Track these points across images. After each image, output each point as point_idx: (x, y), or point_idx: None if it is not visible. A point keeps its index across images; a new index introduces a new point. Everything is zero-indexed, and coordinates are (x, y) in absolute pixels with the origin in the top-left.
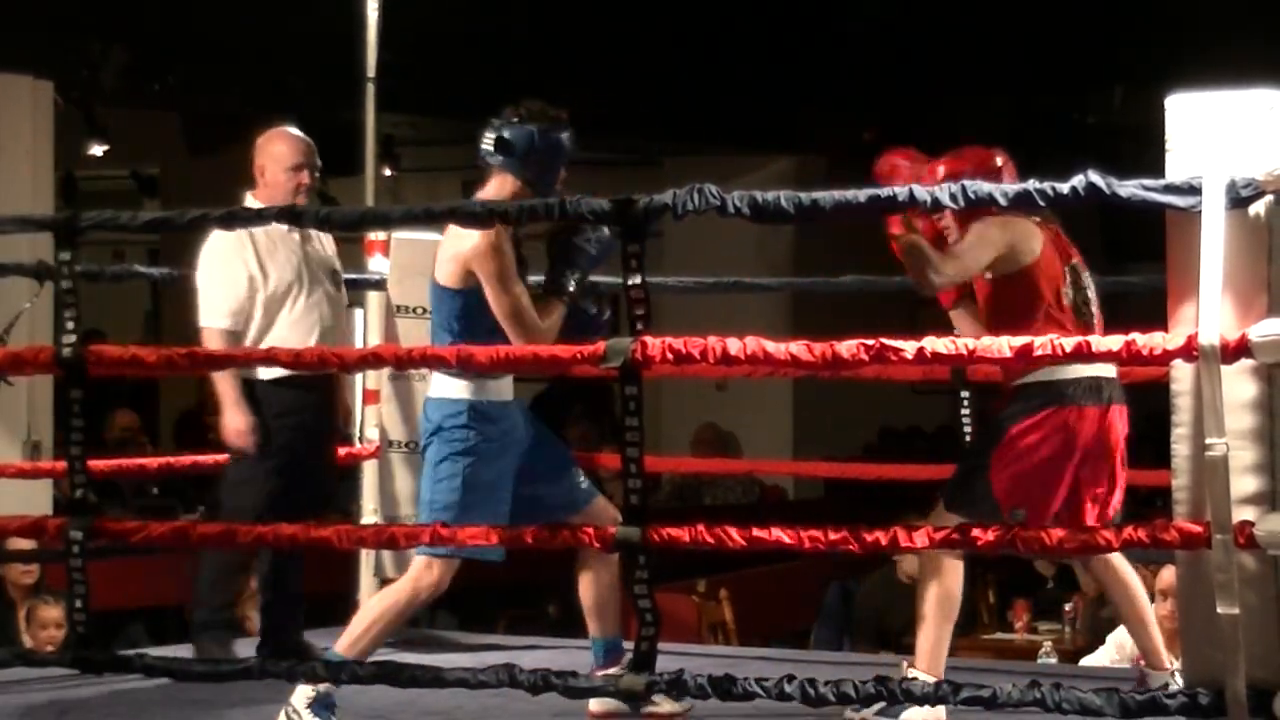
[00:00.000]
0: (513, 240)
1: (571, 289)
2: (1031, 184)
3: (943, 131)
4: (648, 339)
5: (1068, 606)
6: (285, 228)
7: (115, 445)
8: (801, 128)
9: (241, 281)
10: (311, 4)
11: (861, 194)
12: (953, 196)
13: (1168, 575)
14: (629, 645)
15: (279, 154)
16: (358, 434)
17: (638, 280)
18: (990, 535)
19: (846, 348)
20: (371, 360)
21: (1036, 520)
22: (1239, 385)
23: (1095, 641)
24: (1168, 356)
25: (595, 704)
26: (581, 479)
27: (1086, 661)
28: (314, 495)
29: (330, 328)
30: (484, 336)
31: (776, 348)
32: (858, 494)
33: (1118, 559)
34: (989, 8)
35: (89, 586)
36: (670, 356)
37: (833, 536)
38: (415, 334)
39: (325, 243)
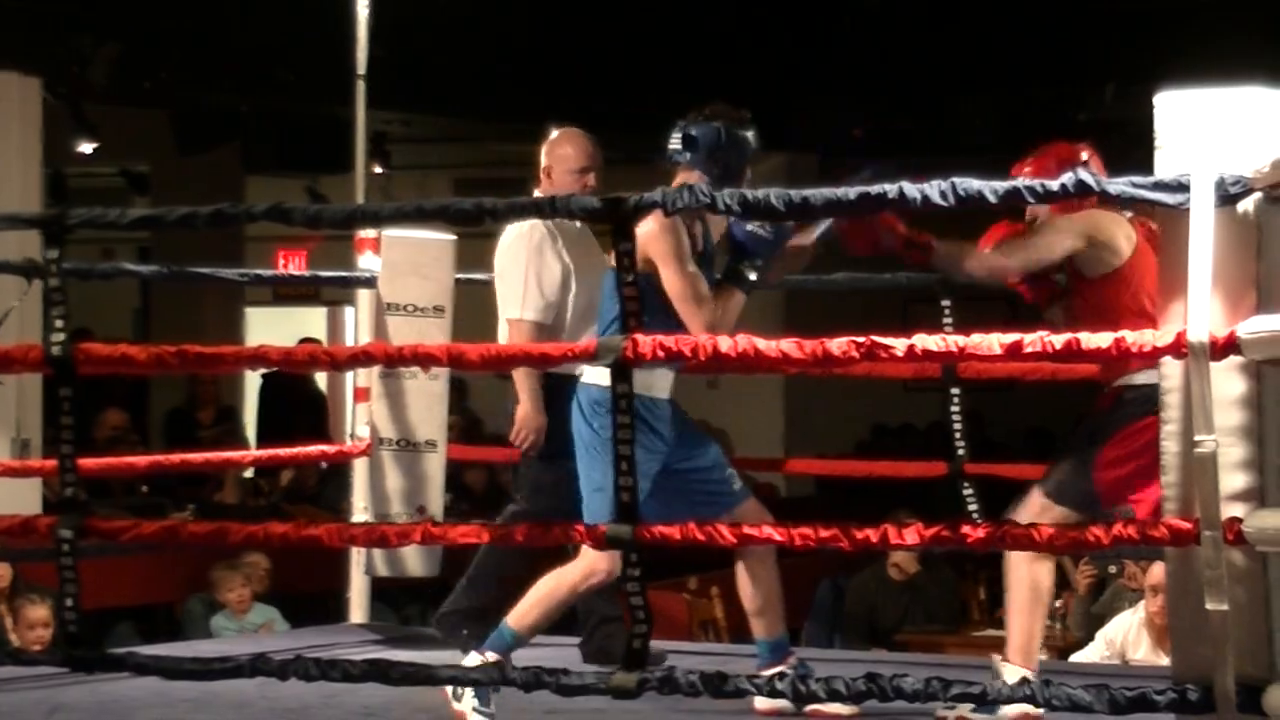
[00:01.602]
0: (690, 232)
1: (752, 277)
2: (1021, 181)
3: (934, 129)
4: (639, 336)
5: (1058, 603)
6: (578, 226)
7: (105, 444)
8: (792, 125)
9: (556, 273)
10: (302, 1)
11: (851, 191)
12: (942, 194)
13: (1157, 572)
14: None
15: (566, 156)
16: (349, 432)
17: (630, 278)
18: (980, 533)
19: (838, 345)
20: (362, 358)
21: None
22: (1228, 382)
23: (1085, 638)
24: (1157, 353)
25: (762, 703)
26: (734, 479)
27: (1077, 658)
28: None
29: None
30: (658, 322)
31: (768, 345)
32: (849, 491)
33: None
34: (981, 4)
35: (79, 585)
36: (662, 354)
37: (823, 534)
38: (406, 331)
39: (597, 245)
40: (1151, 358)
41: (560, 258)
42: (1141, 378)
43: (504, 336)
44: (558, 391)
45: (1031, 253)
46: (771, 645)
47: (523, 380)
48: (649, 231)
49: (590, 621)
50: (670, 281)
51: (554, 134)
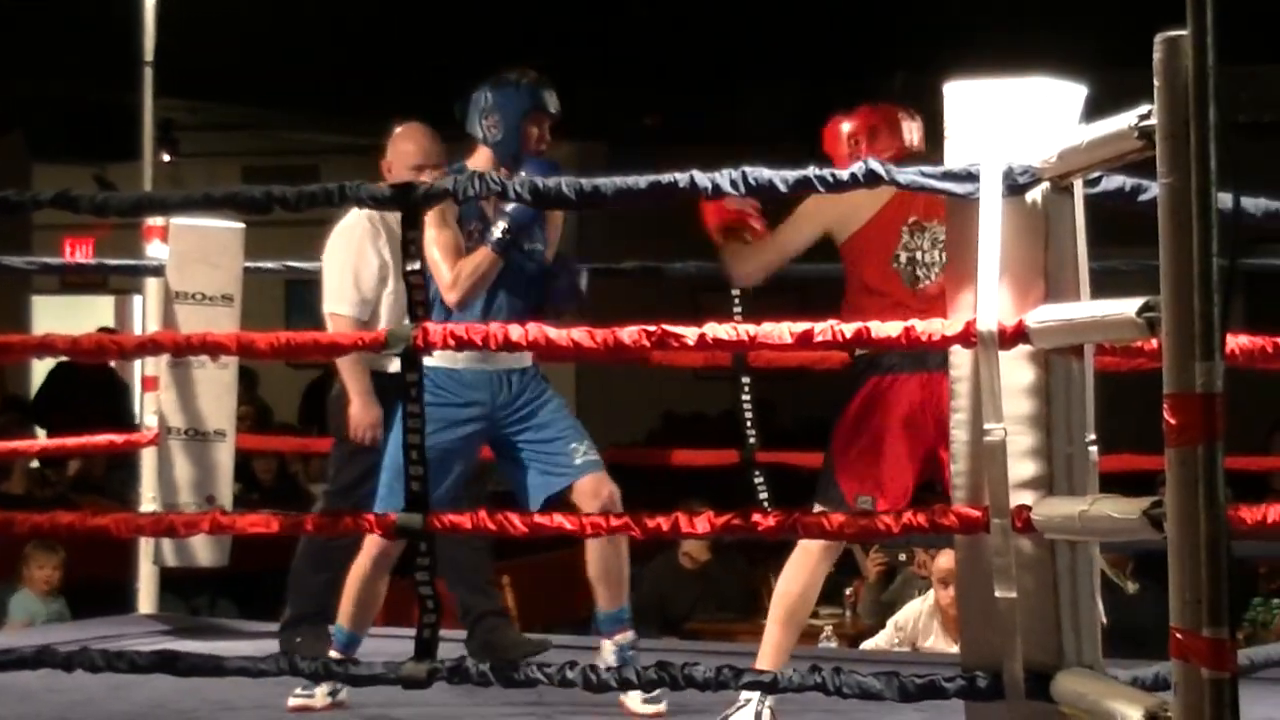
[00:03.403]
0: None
1: (496, 235)
2: (811, 170)
3: (727, 118)
4: (429, 325)
5: (848, 591)
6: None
7: None
8: (582, 113)
9: (374, 269)
10: None
11: (642, 180)
12: (733, 183)
13: (944, 562)
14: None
15: (405, 152)
16: (137, 421)
17: (416, 266)
18: (771, 521)
19: (628, 333)
20: (150, 346)
21: (890, 504)
22: (1017, 371)
23: (876, 626)
24: (946, 342)
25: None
26: (576, 452)
27: (867, 645)
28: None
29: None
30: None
31: (558, 333)
32: (640, 480)
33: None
34: None
35: None
36: (452, 343)
37: (614, 523)
38: (194, 320)
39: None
40: (941, 346)
41: (380, 254)
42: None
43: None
44: (384, 387)
45: (779, 243)
46: (606, 617)
47: (350, 377)
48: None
49: (470, 618)
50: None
51: (397, 129)
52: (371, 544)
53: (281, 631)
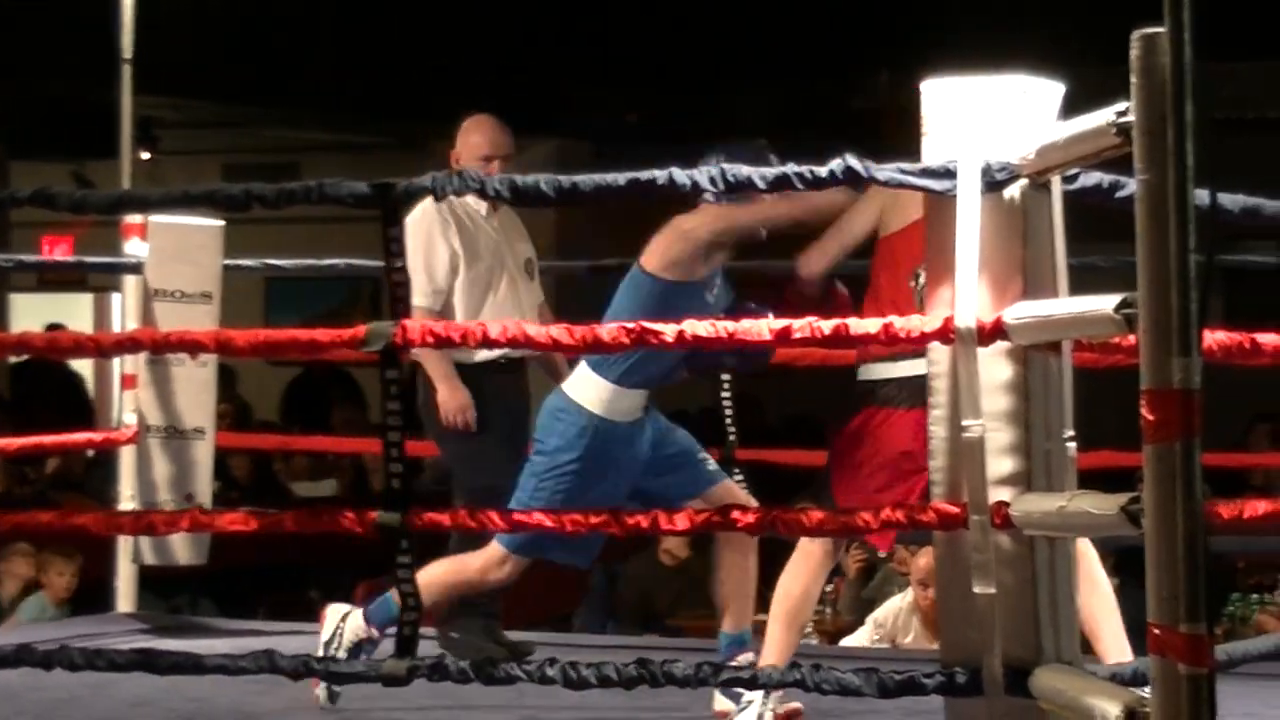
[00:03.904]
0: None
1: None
2: (791, 167)
3: (709, 115)
4: (409, 322)
5: (829, 588)
6: (483, 212)
7: None
8: (565, 111)
9: (444, 259)
10: None
11: (621, 177)
12: (712, 180)
13: (924, 562)
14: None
15: (473, 144)
16: (116, 419)
17: (399, 264)
18: (750, 518)
19: (607, 331)
20: (129, 344)
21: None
22: (995, 367)
23: (856, 622)
24: (925, 339)
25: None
26: (705, 464)
27: (847, 642)
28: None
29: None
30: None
31: (538, 331)
32: None
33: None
34: None
35: None
36: (431, 340)
37: (594, 520)
38: (173, 318)
39: (521, 233)
40: (920, 343)
41: (450, 243)
42: (862, 371)
43: None
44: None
45: (837, 240)
46: (729, 640)
47: (431, 365)
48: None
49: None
50: None
51: (465, 121)
52: (479, 570)
53: (440, 631)
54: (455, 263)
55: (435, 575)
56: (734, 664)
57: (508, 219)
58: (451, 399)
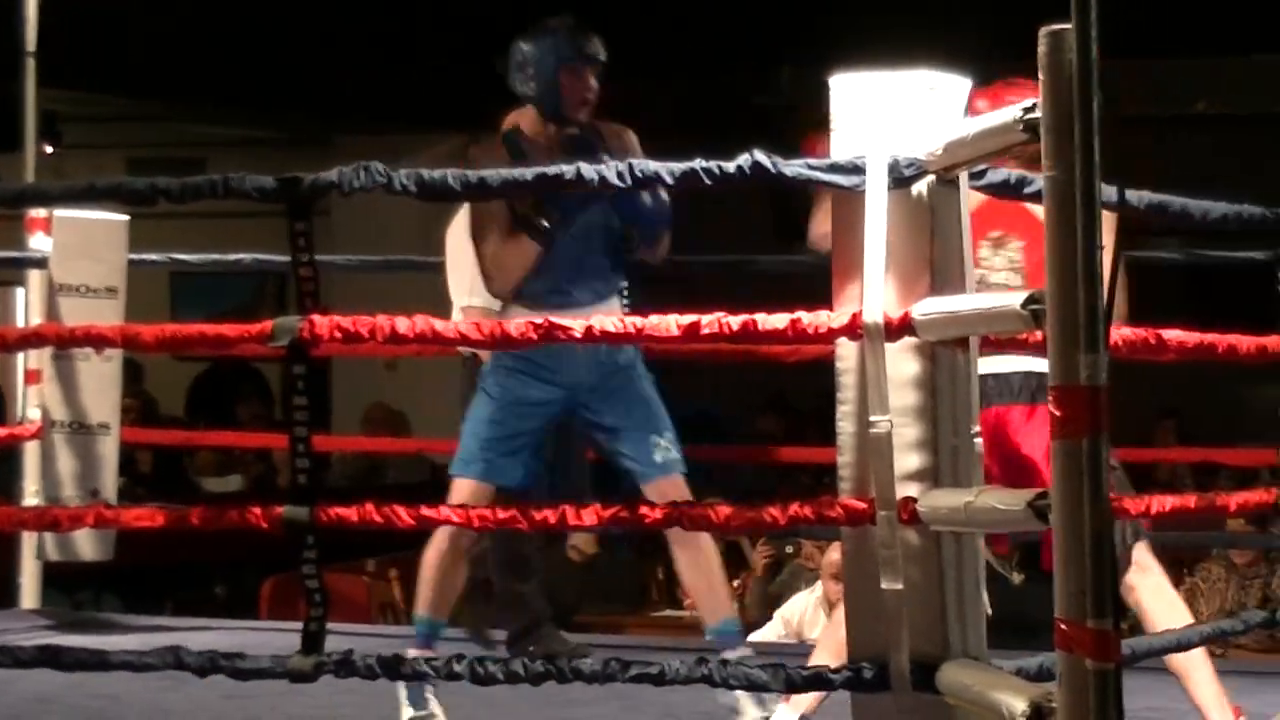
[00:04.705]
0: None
1: (544, 225)
2: (698, 163)
3: (616, 111)
4: (316, 317)
5: (736, 583)
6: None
7: None
8: (473, 105)
9: None
10: None
11: (529, 173)
12: (620, 175)
13: (835, 555)
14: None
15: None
16: (20, 414)
17: (306, 259)
18: (658, 513)
19: (515, 327)
20: (33, 339)
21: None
22: (902, 363)
23: (763, 618)
24: (832, 335)
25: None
26: (657, 451)
27: (754, 637)
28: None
29: None
30: None
31: (445, 326)
32: None
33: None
34: None
35: None
36: (339, 335)
37: (501, 515)
38: (78, 313)
39: None
40: (827, 339)
41: None
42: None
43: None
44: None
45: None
46: (711, 632)
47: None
48: None
49: (514, 631)
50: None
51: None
52: (440, 531)
53: (511, 648)
54: None
55: (427, 563)
56: (725, 657)
57: None
58: None
